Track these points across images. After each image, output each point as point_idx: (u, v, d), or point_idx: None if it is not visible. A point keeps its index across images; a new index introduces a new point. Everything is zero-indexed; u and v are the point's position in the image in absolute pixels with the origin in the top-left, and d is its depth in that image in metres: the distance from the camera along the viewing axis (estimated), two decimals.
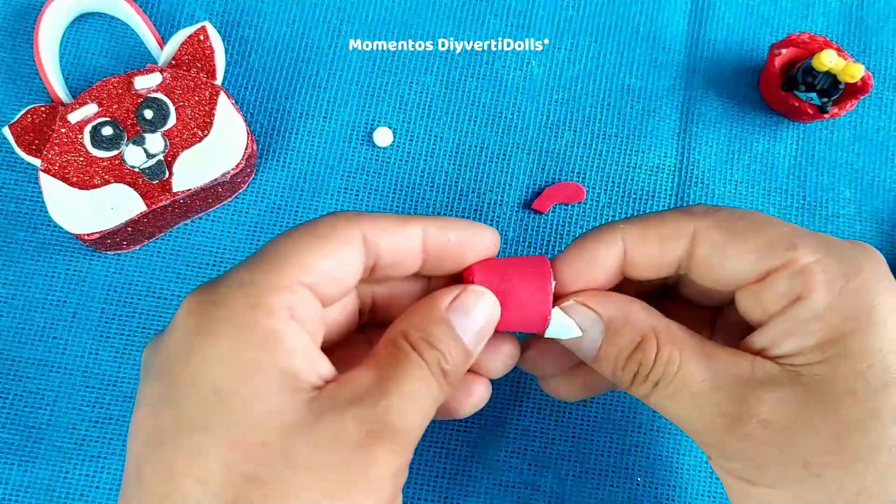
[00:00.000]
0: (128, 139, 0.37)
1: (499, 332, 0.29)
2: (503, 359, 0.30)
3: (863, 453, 0.23)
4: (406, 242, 0.28)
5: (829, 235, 0.26)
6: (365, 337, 0.31)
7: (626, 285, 0.30)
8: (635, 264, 0.28)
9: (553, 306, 0.28)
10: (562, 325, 0.28)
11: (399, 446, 0.24)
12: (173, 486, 0.21)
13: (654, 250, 0.28)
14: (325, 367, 0.25)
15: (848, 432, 0.23)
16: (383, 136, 0.41)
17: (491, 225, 0.40)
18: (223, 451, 0.21)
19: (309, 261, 0.25)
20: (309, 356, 0.24)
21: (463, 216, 0.40)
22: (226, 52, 0.41)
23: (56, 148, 0.36)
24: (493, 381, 0.31)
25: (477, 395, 0.30)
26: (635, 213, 0.41)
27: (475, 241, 0.29)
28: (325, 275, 0.25)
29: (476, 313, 0.27)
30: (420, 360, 0.26)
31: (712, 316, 0.32)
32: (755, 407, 0.24)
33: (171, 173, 0.36)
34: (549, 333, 0.28)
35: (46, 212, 0.37)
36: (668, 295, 0.32)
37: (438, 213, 0.40)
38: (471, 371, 0.29)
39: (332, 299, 0.27)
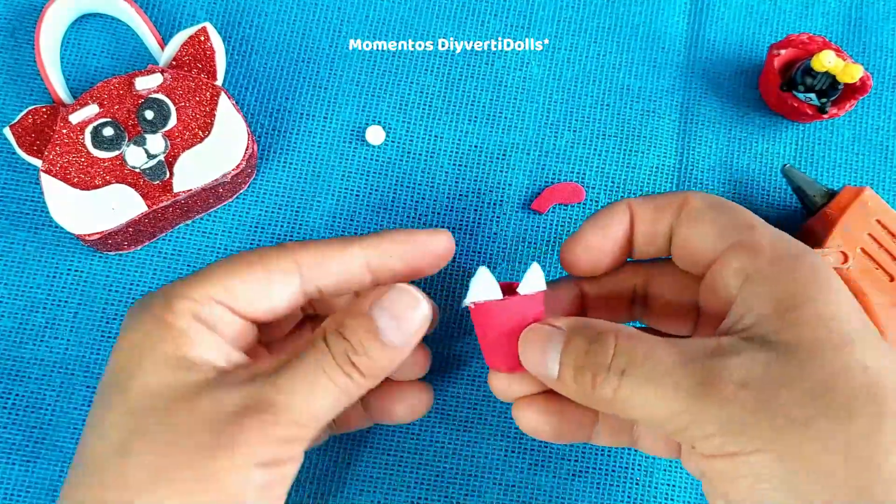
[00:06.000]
0: (129, 140, 0.37)
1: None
2: (414, 368, 0.33)
3: (844, 403, 0.23)
4: (348, 269, 0.30)
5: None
6: None
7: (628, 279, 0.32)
8: (637, 234, 0.31)
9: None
10: (532, 279, 0.29)
11: (280, 423, 0.25)
12: (84, 442, 0.27)
13: (649, 216, 0.30)
14: (236, 356, 0.28)
15: (823, 386, 0.24)
16: (375, 135, 0.41)
17: (491, 225, 0.40)
18: (117, 415, 0.26)
19: (228, 283, 0.28)
20: (214, 347, 0.27)
21: (462, 216, 0.40)
22: (226, 53, 0.41)
23: (57, 148, 0.36)
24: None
25: (412, 401, 0.33)
26: None
27: (421, 254, 0.30)
28: (242, 298, 0.28)
29: (398, 310, 0.27)
30: (324, 349, 0.27)
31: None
32: (730, 370, 0.24)
33: (171, 174, 0.37)
34: (522, 290, 0.29)
35: (48, 212, 0.37)
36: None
37: (438, 213, 0.40)
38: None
39: (262, 317, 0.29)
